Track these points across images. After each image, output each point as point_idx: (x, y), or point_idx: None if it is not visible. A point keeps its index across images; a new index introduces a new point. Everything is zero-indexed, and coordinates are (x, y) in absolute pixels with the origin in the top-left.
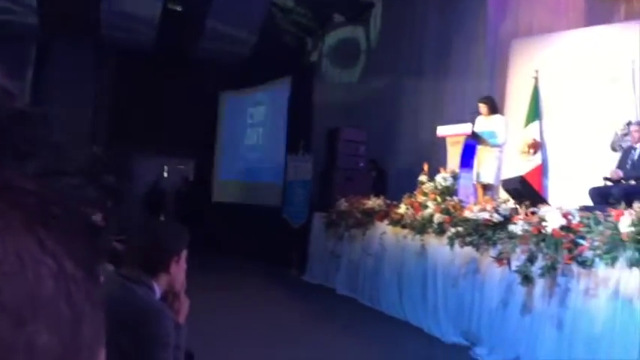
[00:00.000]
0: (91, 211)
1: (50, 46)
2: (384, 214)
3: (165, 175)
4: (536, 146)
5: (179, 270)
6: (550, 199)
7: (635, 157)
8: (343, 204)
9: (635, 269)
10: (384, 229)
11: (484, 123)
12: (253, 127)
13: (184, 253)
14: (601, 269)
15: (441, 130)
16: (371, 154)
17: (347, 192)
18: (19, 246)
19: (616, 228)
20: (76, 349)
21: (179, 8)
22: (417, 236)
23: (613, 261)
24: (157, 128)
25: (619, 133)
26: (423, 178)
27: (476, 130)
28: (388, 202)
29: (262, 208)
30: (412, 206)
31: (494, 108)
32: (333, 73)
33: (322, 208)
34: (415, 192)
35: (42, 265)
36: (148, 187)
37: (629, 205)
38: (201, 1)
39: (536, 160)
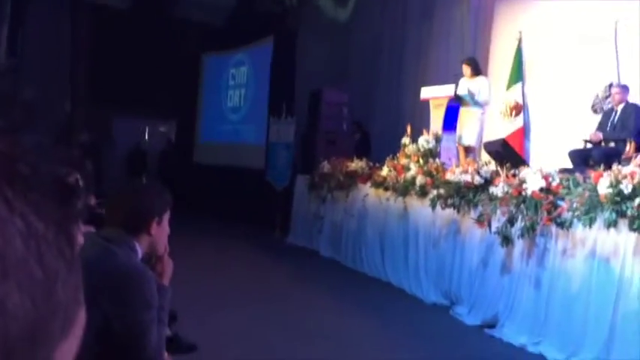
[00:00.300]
0: (65, 170)
1: (26, 3)
2: (367, 177)
3: (147, 136)
4: (519, 108)
5: (161, 232)
6: (531, 162)
7: (616, 119)
8: (326, 166)
9: (612, 230)
10: (366, 191)
11: (467, 84)
12: (235, 89)
13: (167, 215)
14: (579, 230)
15: (425, 92)
16: (354, 116)
17: (330, 154)
18: None
19: (594, 190)
20: (50, 309)
21: None
22: (400, 198)
23: (591, 222)
24: (137, 89)
25: (600, 95)
26: (405, 140)
27: (459, 91)
28: (371, 164)
29: (245, 170)
30: (395, 168)
31: (478, 69)
32: (315, 32)
33: (305, 170)
34: (398, 154)
35: (9, 224)
36: (130, 149)
37: (608, 167)
38: None
39: (518, 122)
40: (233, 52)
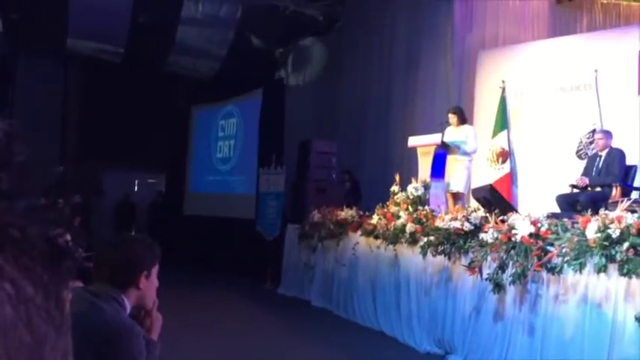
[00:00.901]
0: (56, 231)
1: (16, 59)
2: (357, 225)
3: (136, 188)
4: (505, 155)
5: (150, 286)
6: (519, 207)
7: (600, 164)
8: (316, 215)
9: (602, 275)
10: (357, 239)
11: (454, 133)
12: (225, 140)
13: (155, 269)
14: (570, 275)
15: (412, 141)
16: (343, 165)
17: (320, 203)
18: None
19: (583, 234)
20: None
21: (148, 21)
22: (390, 246)
23: (581, 267)
24: (126, 142)
25: (584, 140)
26: (395, 188)
27: (446, 140)
28: (361, 212)
29: (235, 220)
30: (385, 216)
31: (464, 118)
32: (303, 83)
33: (295, 220)
34: (387, 202)
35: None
36: (119, 201)
37: (595, 211)
38: (170, 14)
39: (505, 168)
40: (222, 103)
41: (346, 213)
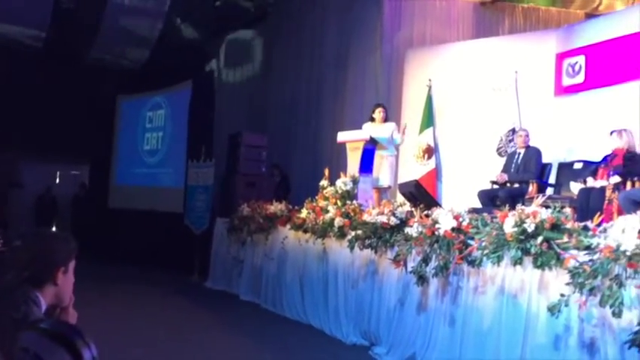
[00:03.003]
0: None
1: None
2: (286, 219)
3: (58, 180)
4: (431, 152)
5: (67, 281)
6: (443, 202)
7: (519, 161)
8: (245, 209)
9: (518, 267)
10: (286, 233)
11: (379, 129)
12: (153, 132)
13: (72, 263)
14: (488, 268)
15: (341, 136)
16: (273, 159)
17: (249, 197)
18: None
19: (501, 229)
20: None
21: (72, 6)
22: (319, 240)
23: (499, 260)
24: (48, 132)
25: (504, 138)
26: (324, 182)
27: (372, 135)
28: (290, 206)
29: (163, 214)
30: (314, 211)
31: (387, 115)
32: (234, 77)
33: (224, 213)
34: (317, 196)
35: None
36: (40, 194)
37: (513, 206)
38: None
39: (431, 164)
40: (150, 94)
41: (275, 207)
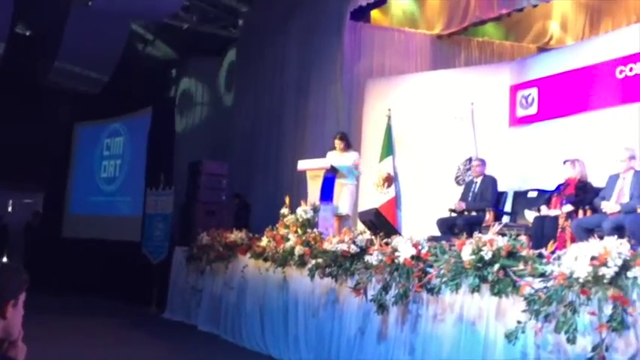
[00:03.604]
0: None
1: None
2: (247, 248)
3: (10, 209)
4: (390, 180)
5: (16, 315)
6: (403, 230)
7: (476, 190)
8: (205, 238)
9: (476, 294)
10: (246, 262)
11: (340, 158)
12: (110, 159)
13: (22, 296)
14: (447, 295)
15: (302, 164)
16: (233, 187)
17: (209, 226)
18: None
19: (459, 256)
20: None
21: (28, 33)
22: (279, 269)
23: (457, 287)
24: (0, 159)
25: (462, 167)
26: (284, 210)
27: (333, 164)
28: (250, 235)
29: (120, 243)
30: (274, 239)
31: (349, 143)
32: (195, 104)
33: (183, 242)
34: (277, 225)
35: None
36: None
37: (471, 234)
38: (54, 25)
39: (391, 193)
40: (109, 121)
41: (235, 235)
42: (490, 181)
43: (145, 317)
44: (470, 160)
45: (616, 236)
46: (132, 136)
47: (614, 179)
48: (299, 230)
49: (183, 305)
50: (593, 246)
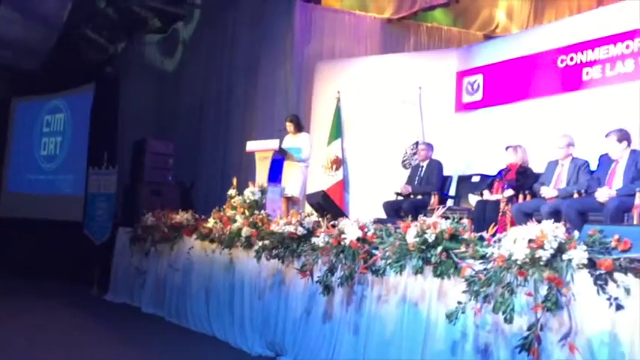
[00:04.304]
0: None
1: None
2: (193, 229)
3: None
4: (338, 163)
5: None
6: (350, 213)
7: (422, 174)
8: (149, 218)
9: (419, 276)
10: (192, 243)
11: (291, 140)
12: (51, 136)
13: None
14: (391, 277)
15: (250, 145)
16: (180, 167)
17: (154, 206)
18: None
19: (404, 239)
20: None
21: None
22: (226, 250)
23: (401, 269)
24: None
25: (408, 151)
26: (232, 192)
27: (284, 146)
28: (197, 216)
29: (60, 223)
30: (221, 220)
31: (300, 126)
32: (141, 80)
33: (127, 223)
34: (224, 206)
35: None
36: None
37: (416, 217)
38: None
39: (338, 175)
40: (49, 97)
41: (181, 216)
42: (436, 166)
43: (87, 299)
44: (417, 144)
45: (553, 220)
46: (73, 113)
47: (553, 165)
48: (246, 212)
49: (127, 287)
50: (531, 229)
